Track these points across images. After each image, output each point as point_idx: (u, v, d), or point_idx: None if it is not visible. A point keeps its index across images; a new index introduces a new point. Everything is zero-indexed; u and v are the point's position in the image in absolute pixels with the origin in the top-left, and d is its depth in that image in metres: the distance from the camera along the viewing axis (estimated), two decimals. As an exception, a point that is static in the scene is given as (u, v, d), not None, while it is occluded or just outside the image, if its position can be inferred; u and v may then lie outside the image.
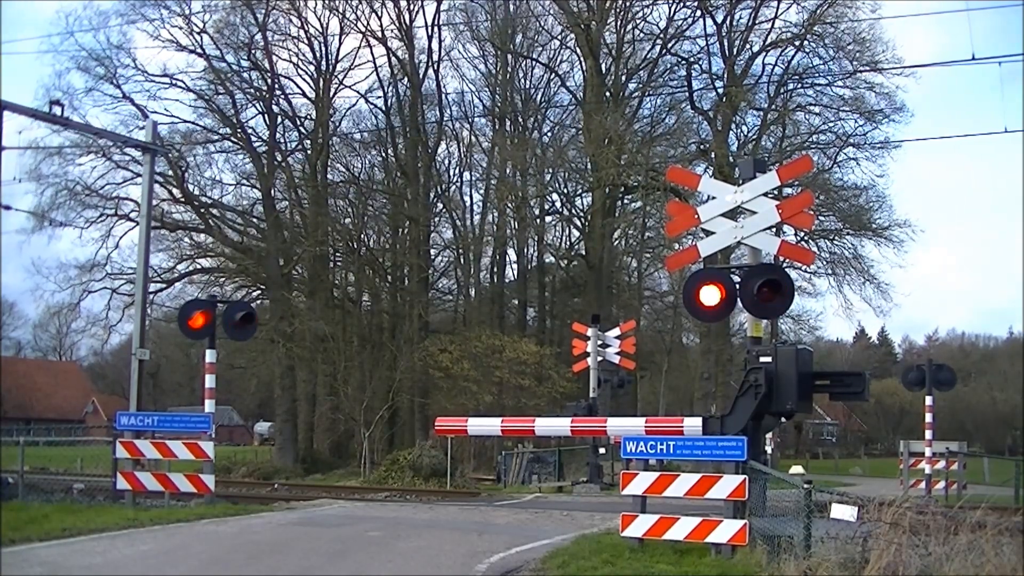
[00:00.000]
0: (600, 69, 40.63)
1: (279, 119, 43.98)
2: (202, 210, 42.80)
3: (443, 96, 46.17)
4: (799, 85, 38.85)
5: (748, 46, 38.63)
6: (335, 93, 45.10)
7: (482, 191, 47.92)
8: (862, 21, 35.75)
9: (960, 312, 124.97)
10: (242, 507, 16.60)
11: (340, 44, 46.37)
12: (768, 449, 26.05)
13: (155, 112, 39.19)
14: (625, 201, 44.32)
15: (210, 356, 16.84)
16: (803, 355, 11.65)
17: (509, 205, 44.11)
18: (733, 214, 12.29)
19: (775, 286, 11.38)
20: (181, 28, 40.39)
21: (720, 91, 38.09)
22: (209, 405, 16.46)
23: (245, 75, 42.87)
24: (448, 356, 38.32)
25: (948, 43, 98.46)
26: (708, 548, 10.56)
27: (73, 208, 39.51)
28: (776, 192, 13.75)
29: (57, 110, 19.51)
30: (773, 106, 38.99)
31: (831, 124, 38.88)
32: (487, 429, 19.57)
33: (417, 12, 44.10)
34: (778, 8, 37.47)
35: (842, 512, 9.20)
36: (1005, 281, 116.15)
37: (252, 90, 43.16)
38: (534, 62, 46.20)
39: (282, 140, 44.68)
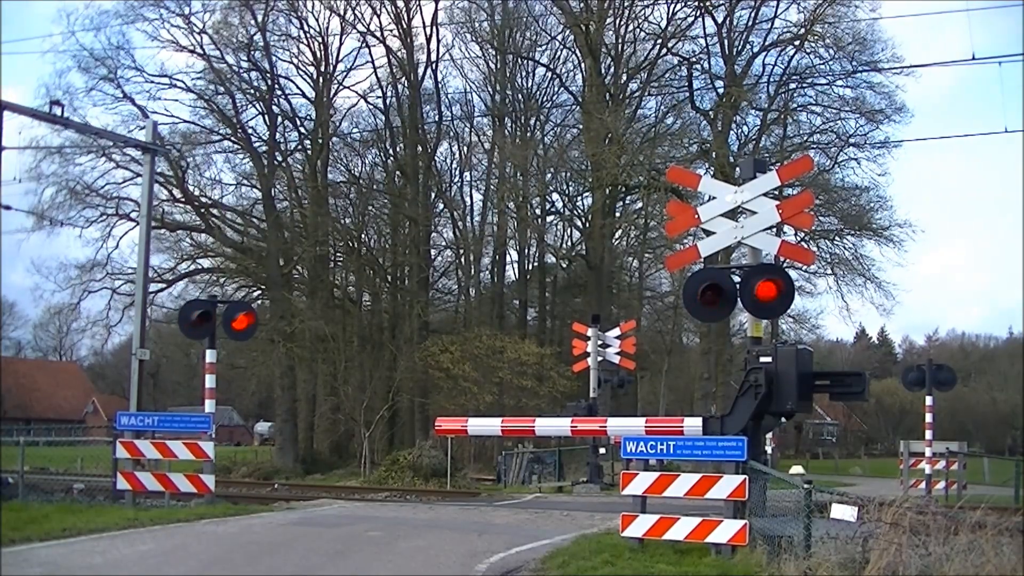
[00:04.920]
0: (600, 69, 40.61)
1: (279, 119, 44.00)
2: (202, 210, 42.79)
3: (442, 96, 46.28)
4: (799, 85, 38.92)
5: (748, 46, 38.75)
6: (335, 93, 45.20)
7: (482, 191, 48.01)
8: (862, 21, 35.87)
9: (961, 312, 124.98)
10: (242, 507, 16.59)
11: (340, 45, 46.34)
12: (768, 449, 26.05)
13: (155, 112, 39.31)
14: (626, 201, 44.34)
15: (210, 356, 16.85)
16: (803, 355, 11.64)
17: (510, 205, 44.12)
18: (733, 214, 12.29)
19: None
20: (180, 28, 40.52)
21: (720, 91, 38.11)
22: (209, 405, 16.46)
23: (245, 75, 42.89)
24: (449, 356, 38.34)
25: (948, 43, 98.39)
26: (708, 548, 10.56)
27: (73, 207, 39.49)
28: (776, 192, 13.74)
29: (57, 110, 19.53)
30: (773, 106, 39.03)
31: (831, 124, 38.96)
32: (487, 429, 19.56)
33: (416, 12, 44.22)
34: (778, 8, 37.63)
35: (842, 512, 9.20)
36: (1007, 282, 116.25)
37: (252, 90, 43.17)
38: (535, 63, 46.29)
39: (282, 140, 44.72)
